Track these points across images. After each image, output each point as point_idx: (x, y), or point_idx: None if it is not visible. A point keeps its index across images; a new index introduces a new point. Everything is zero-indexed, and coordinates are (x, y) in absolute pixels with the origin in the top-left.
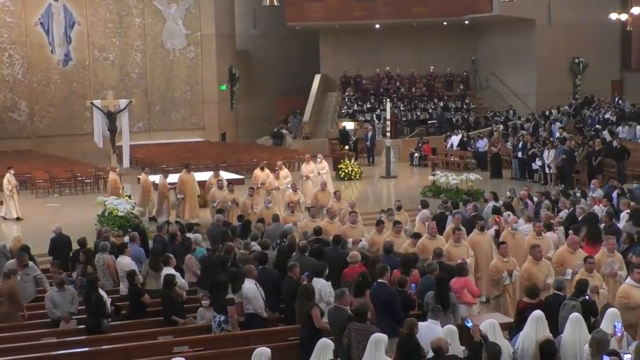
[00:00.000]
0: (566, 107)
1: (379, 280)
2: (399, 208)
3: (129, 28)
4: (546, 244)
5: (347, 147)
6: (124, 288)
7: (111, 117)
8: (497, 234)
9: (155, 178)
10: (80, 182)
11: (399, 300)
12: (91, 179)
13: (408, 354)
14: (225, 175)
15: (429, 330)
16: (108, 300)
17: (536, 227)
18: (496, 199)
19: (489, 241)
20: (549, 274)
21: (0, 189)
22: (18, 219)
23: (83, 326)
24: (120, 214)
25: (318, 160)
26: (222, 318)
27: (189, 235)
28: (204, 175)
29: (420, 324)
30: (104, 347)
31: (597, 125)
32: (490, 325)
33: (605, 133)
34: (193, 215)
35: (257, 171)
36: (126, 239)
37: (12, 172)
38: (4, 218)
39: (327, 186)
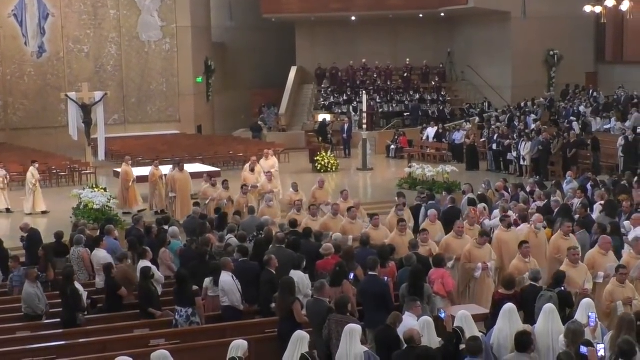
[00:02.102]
0: (542, 99)
1: (369, 273)
2: (404, 205)
3: (103, 20)
4: (572, 245)
5: (326, 140)
6: (99, 281)
7: (86, 109)
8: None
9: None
10: (55, 175)
11: (390, 292)
12: (66, 172)
13: (387, 346)
14: (201, 168)
15: (405, 323)
16: (84, 294)
17: (565, 228)
18: (474, 191)
19: (516, 239)
20: (587, 278)
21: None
22: (44, 212)
23: (59, 319)
24: (95, 206)
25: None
26: (190, 311)
27: (166, 228)
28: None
29: None
30: (80, 340)
31: (571, 117)
32: (463, 316)
33: (575, 124)
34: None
35: (247, 174)
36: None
37: (37, 165)
38: (29, 214)
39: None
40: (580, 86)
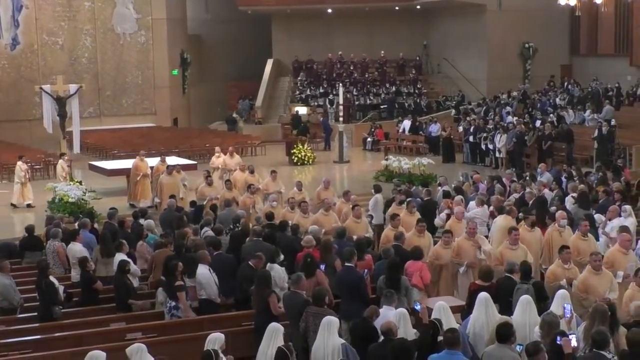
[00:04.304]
0: (515, 93)
1: (346, 264)
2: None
3: (78, 12)
4: (593, 246)
5: (302, 132)
6: (75, 275)
7: (61, 102)
8: (448, 218)
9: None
10: (29, 168)
11: (365, 283)
12: (41, 165)
13: (363, 338)
14: (177, 160)
15: (383, 316)
16: (60, 288)
17: (582, 227)
18: (449, 183)
19: (538, 239)
20: (611, 287)
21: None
22: None
23: (35, 313)
24: (71, 200)
25: (216, 154)
26: (173, 304)
27: (142, 221)
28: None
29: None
30: (56, 334)
31: (548, 108)
32: (440, 308)
33: (552, 117)
34: None
35: (249, 176)
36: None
37: (66, 158)
38: None
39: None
40: (557, 77)
